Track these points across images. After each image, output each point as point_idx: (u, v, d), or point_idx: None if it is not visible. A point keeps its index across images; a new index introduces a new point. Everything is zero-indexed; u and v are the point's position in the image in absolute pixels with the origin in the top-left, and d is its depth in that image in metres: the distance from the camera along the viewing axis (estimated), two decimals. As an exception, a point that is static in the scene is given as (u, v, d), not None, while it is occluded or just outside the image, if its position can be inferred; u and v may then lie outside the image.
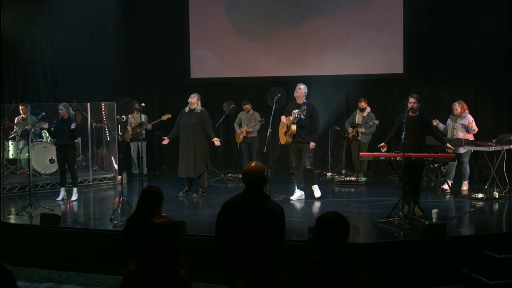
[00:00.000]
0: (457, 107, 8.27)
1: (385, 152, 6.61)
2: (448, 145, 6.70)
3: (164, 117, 9.60)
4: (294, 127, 7.40)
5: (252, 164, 3.51)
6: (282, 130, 7.75)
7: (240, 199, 3.43)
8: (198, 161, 7.97)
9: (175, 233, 2.61)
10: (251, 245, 3.25)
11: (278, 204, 3.44)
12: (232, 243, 3.33)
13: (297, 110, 7.43)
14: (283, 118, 7.69)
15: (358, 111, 9.84)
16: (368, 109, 9.74)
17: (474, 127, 8.20)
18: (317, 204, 7.50)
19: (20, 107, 9.67)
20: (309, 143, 7.46)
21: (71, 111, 8.22)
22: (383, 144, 6.73)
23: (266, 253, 3.24)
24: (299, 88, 7.61)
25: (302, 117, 7.39)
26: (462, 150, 8.13)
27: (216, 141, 8.05)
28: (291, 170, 9.99)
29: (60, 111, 8.02)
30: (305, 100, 7.59)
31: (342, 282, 2.30)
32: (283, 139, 7.70)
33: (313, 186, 7.80)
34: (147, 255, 2.53)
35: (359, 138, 9.68)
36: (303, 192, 7.76)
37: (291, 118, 7.48)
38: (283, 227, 3.38)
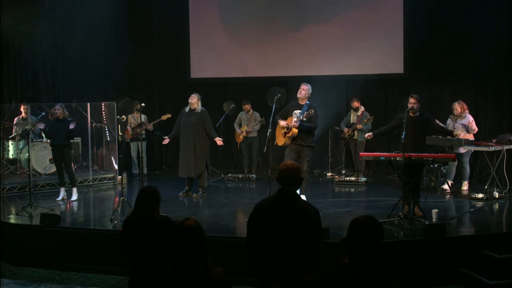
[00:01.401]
0: (457, 107, 8.28)
1: (384, 153, 6.61)
2: (456, 132, 6.76)
3: (164, 117, 9.61)
4: (296, 129, 7.01)
5: (288, 163, 3.42)
6: (280, 131, 7.39)
7: (274, 201, 3.33)
8: (199, 161, 7.97)
9: (202, 232, 2.64)
10: (287, 247, 3.16)
11: (312, 205, 3.36)
12: (267, 245, 3.23)
13: (298, 111, 7.12)
14: (282, 122, 7.22)
15: (352, 111, 9.87)
16: (362, 108, 9.78)
17: (474, 127, 8.20)
18: (317, 205, 7.46)
19: (22, 107, 9.67)
20: (309, 146, 7.15)
21: (66, 112, 8.20)
22: (370, 133, 6.90)
23: (302, 255, 3.16)
24: (303, 89, 7.21)
25: (304, 119, 7.03)
26: (462, 150, 8.13)
27: (219, 141, 8.05)
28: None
29: (56, 111, 8.01)
30: (307, 102, 7.23)
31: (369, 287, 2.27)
32: (280, 141, 7.29)
33: (301, 195, 7.21)
34: (181, 256, 2.53)
35: (355, 137, 9.71)
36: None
37: (293, 119, 7.10)
38: (319, 228, 3.30)
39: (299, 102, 7.26)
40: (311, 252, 3.21)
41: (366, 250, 2.36)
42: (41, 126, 8.32)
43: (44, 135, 9.51)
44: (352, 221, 2.45)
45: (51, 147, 8.23)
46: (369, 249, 2.37)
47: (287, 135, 7.13)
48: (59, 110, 8.02)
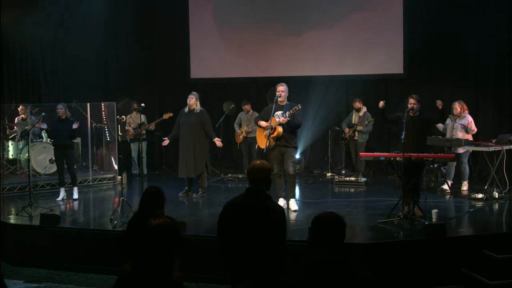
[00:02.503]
0: (457, 106, 8.28)
1: (384, 153, 6.60)
2: (438, 101, 6.72)
3: (166, 116, 9.60)
4: (280, 129, 6.76)
5: (257, 162, 3.47)
6: (262, 133, 7.09)
7: (242, 199, 3.40)
8: (198, 161, 7.97)
9: (170, 234, 2.61)
10: (254, 245, 3.24)
11: (280, 205, 3.43)
12: (234, 243, 3.32)
13: (280, 112, 6.85)
14: (262, 122, 6.97)
15: (354, 111, 9.86)
16: (364, 109, 9.77)
17: (474, 128, 8.20)
18: (316, 206, 7.48)
19: (19, 108, 9.67)
20: (293, 147, 6.97)
21: (68, 112, 8.21)
22: (383, 102, 6.66)
23: (269, 253, 3.23)
24: (282, 91, 6.90)
25: (288, 118, 6.75)
26: (461, 150, 8.13)
27: (218, 142, 8.04)
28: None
29: (59, 110, 8.01)
30: (287, 102, 7.00)
31: (342, 281, 2.30)
32: (262, 143, 6.94)
33: (291, 199, 7.07)
34: (143, 256, 2.54)
35: (356, 138, 9.70)
36: (285, 201, 7.05)
37: (276, 119, 6.79)
38: (284, 227, 3.37)
39: (279, 104, 6.98)
40: (277, 251, 3.26)
41: (335, 244, 2.39)
42: (43, 126, 8.32)
43: (45, 135, 9.54)
44: (314, 218, 2.47)
45: (53, 147, 8.24)
46: (337, 243, 2.40)
47: (272, 135, 6.81)
48: (61, 109, 8.02)
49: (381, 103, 6.65)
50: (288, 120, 6.74)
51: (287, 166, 6.95)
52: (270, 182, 3.44)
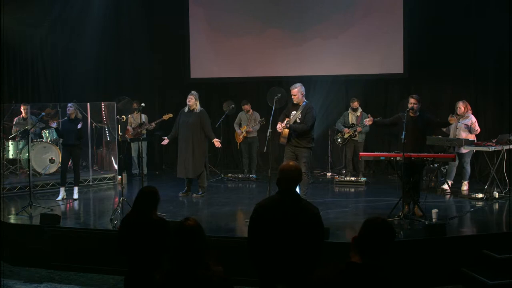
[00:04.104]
0: (461, 106, 8.26)
1: (384, 153, 6.60)
2: (450, 118, 6.80)
3: (166, 117, 9.60)
4: (286, 130, 6.85)
5: (291, 163, 3.42)
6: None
7: (275, 201, 3.31)
8: (197, 161, 7.95)
9: (203, 231, 2.67)
10: (289, 247, 3.16)
11: (314, 205, 3.37)
12: (269, 245, 3.22)
13: (295, 112, 7.00)
14: (278, 125, 7.03)
15: (350, 111, 9.85)
16: (360, 109, 9.76)
17: (477, 128, 8.18)
18: (316, 205, 7.46)
19: (22, 107, 9.67)
20: (305, 148, 6.96)
21: (79, 112, 8.27)
22: (371, 119, 6.75)
23: (305, 255, 3.16)
24: (293, 94, 6.99)
25: (298, 120, 6.89)
26: (464, 150, 8.12)
27: (217, 142, 8.03)
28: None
29: (70, 108, 8.08)
30: (305, 101, 7.06)
31: (372, 287, 2.28)
32: (279, 139, 7.17)
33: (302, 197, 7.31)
34: (182, 256, 2.55)
35: (356, 138, 9.69)
36: None
37: (286, 120, 6.94)
38: (321, 228, 3.31)
39: (297, 104, 7.10)
40: (313, 253, 3.20)
41: (378, 252, 2.37)
42: (53, 125, 8.35)
43: (48, 135, 9.57)
44: (366, 221, 2.46)
45: (62, 146, 8.26)
46: (381, 251, 2.38)
47: (282, 134, 7.02)
48: (71, 108, 8.06)
49: (367, 121, 6.78)
50: (289, 126, 6.79)
51: (300, 166, 6.92)
52: (300, 181, 3.41)
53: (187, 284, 2.50)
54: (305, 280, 2.98)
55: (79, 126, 8.00)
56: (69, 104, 8.15)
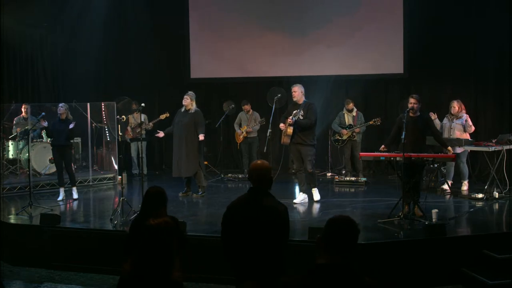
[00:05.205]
0: (455, 105, 8.25)
1: (385, 152, 6.60)
2: (449, 148, 6.69)
3: (163, 116, 9.60)
4: (290, 129, 7.10)
5: (259, 162, 3.48)
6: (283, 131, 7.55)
7: (245, 199, 3.40)
8: (190, 161, 7.94)
9: (169, 234, 2.61)
10: (257, 244, 3.23)
11: (282, 203, 3.40)
12: (238, 243, 3.31)
13: (296, 111, 7.22)
14: (280, 125, 7.36)
15: (346, 111, 9.83)
16: (355, 109, 9.77)
17: (471, 124, 8.17)
18: (317, 205, 7.48)
19: (23, 107, 9.67)
20: (308, 145, 7.19)
21: (69, 114, 8.22)
22: (383, 146, 6.69)
23: (271, 252, 3.22)
24: (294, 91, 7.31)
25: (301, 117, 7.10)
26: (459, 149, 8.11)
27: (201, 136, 7.95)
28: (291, 170, 10.00)
29: (61, 108, 8.02)
30: (305, 100, 7.32)
31: (345, 286, 2.27)
32: (282, 140, 7.49)
33: (313, 189, 7.56)
34: (142, 256, 2.54)
35: (355, 138, 9.69)
36: (306, 195, 7.53)
37: (289, 118, 7.21)
38: (286, 226, 3.34)
39: (297, 103, 7.36)
40: (279, 250, 3.25)
41: (345, 250, 2.35)
42: (44, 124, 8.32)
43: (45, 134, 9.53)
44: (330, 220, 2.43)
45: (51, 147, 8.23)
46: (348, 248, 2.36)
47: (285, 133, 7.23)
48: (62, 108, 8.02)
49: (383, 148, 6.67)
50: (294, 121, 7.03)
51: (305, 164, 7.30)
52: (271, 180, 3.42)
53: (141, 286, 2.50)
54: (272, 281, 3.00)
55: (71, 126, 7.95)
56: (60, 104, 8.08)
